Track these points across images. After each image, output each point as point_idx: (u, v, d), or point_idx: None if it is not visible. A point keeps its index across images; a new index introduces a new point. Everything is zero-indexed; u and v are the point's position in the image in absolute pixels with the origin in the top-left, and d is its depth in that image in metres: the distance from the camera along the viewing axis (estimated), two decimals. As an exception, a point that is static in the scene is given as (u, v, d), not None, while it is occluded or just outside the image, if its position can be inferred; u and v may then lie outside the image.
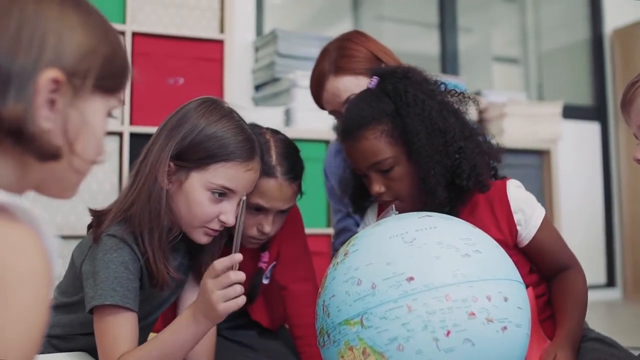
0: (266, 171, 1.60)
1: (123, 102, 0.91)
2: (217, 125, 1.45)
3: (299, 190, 1.71)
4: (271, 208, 1.64)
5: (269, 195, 1.62)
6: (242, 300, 1.31)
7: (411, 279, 1.18)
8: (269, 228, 1.66)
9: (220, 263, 1.30)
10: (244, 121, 1.53)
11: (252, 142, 1.49)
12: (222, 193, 1.45)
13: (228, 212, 1.46)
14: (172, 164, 1.43)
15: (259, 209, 1.64)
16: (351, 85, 1.88)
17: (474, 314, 1.17)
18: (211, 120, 1.45)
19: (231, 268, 1.30)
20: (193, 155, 1.43)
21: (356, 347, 1.19)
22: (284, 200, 1.65)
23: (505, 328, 1.19)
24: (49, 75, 0.77)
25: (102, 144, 0.90)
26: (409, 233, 1.26)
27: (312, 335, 1.50)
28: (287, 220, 1.76)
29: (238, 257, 1.30)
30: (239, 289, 1.31)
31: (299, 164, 1.70)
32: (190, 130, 1.43)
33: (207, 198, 1.44)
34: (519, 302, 1.25)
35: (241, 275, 1.30)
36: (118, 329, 1.38)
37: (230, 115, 1.49)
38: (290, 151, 1.69)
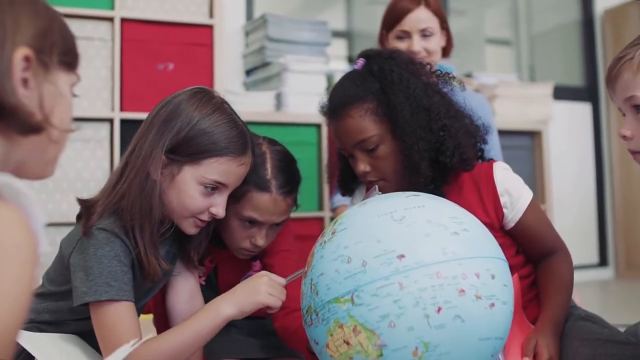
0: (260, 185, 1.60)
1: (80, 79, 0.98)
2: (211, 118, 1.45)
3: (294, 203, 1.70)
4: (265, 222, 1.64)
5: (262, 209, 1.61)
6: (280, 304, 1.44)
7: (402, 256, 1.19)
8: (261, 241, 1.65)
9: (280, 278, 1.46)
10: (235, 113, 1.52)
11: (245, 136, 1.49)
12: (214, 187, 1.46)
13: (219, 206, 1.48)
14: (164, 157, 1.43)
15: (252, 222, 1.63)
16: (429, 20, 2.32)
17: (463, 290, 1.18)
18: (205, 114, 1.45)
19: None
20: (187, 150, 1.43)
21: (346, 324, 1.19)
22: (278, 215, 1.65)
23: (492, 305, 1.21)
24: (20, 53, 0.82)
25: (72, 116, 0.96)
26: (397, 211, 1.27)
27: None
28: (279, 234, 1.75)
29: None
30: (283, 297, 1.44)
31: (295, 177, 1.69)
32: (184, 124, 1.43)
33: (199, 192, 1.45)
34: (504, 279, 1.26)
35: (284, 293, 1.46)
36: (119, 321, 1.38)
37: (222, 107, 1.49)
38: (286, 164, 1.67)
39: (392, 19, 2.35)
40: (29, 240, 0.74)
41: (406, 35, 2.32)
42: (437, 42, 2.35)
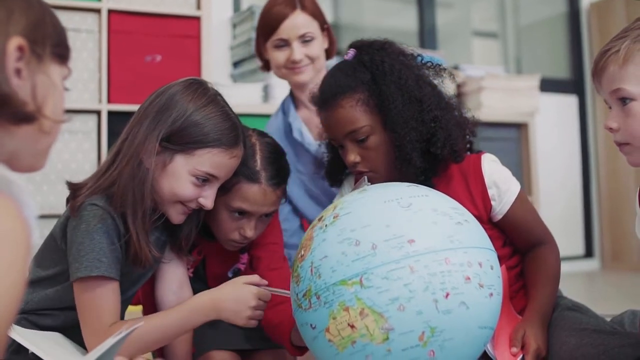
0: (250, 176, 1.60)
1: (71, 72, 0.99)
2: (205, 110, 1.46)
3: (283, 195, 1.70)
4: (254, 212, 1.64)
5: (252, 201, 1.61)
6: (255, 323, 1.49)
7: (412, 241, 1.20)
8: (251, 233, 1.65)
9: (267, 294, 1.49)
10: (228, 105, 1.53)
11: (237, 129, 1.51)
12: (205, 179, 1.47)
13: (208, 197, 1.49)
14: (157, 145, 1.44)
15: (242, 213, 1.63)
16: (308, 24, 2.16)
17: (469, 278, 1.20)
18: (199, 105, 1.46)
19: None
20: (180, 140, 1.44)
21: (353, 307, 1.19)
22: (267, 206, 1.65)
23: (491, 294, 1.24)
24: (14, 43, 0.83)
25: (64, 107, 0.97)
26: (403, 199, 1.28)
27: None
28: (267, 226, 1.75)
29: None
30: (262, 315, 1.49)
31: (284, 169, 1.69)
32: (179, 115, 1.44)
33: (190, 182, 1.46)
34: (498, 272, 1.30)
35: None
36: (103, 300, 1.40)
37: (216, 100, 1.50)
38: (276, 156, 1.67)
39: (267, 27, 2.17)
40: (22, 229, 0.74)
41: (285, 43, 2.15)
42: (319, 46, 2.19)
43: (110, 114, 2.86)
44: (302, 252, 1.32)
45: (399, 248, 1.20)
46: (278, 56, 2.17)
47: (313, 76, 2.16)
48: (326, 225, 1.30)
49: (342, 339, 1.21)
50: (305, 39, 2.14)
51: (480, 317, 1.22)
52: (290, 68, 2.16)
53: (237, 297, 1.46)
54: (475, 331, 1.22)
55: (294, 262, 1.36)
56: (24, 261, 0.74)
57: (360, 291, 1.19)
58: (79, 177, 1.46)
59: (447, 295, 1.18)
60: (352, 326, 1.19)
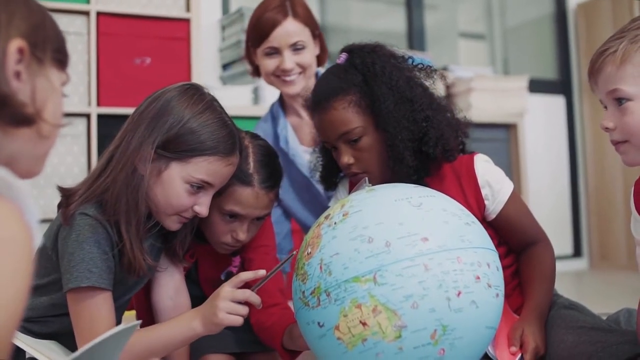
0: (243, 179, 1.59)
1: (69, 78, 0.98)
2: (202, 117, 1.44)
3: (276, 198, 1.70)
4: (246, 215, 1.63)
5: (244, 203, 1.61)
6: (241, 321, 1.39)
7: (425, 239, 1.21)
8: (243, 236, 1.64)
9: (245, 275, 1.40)
10: (225, 111, 1.52)
11: (234, 136, 1.49)
12: (200, 186, 1.45)
13: (203, 205, 1.47)
14: (152, 152, 1.42)
15: (234, 216, 1.63)
16: (300, 32, 2.12)
17: (479, 278, 1.22)
18: (196, 112, 1.44)
19: (252, 283, 1.41)
20: (176, 147, 1.42)
21: (366, 304, 1.19)
22: (260, 209, 1.64)
23: (497, 295, 1.26)
24: (14, 45, 0.83)
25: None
26: (413, 198, 1.29)
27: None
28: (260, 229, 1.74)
29: (261, 273, 1.40)
30: (246, 310, 1.38)
31: (277, 172, 1.69)
32: (175, 121, 1.42)
33: (184, 190, 1.44)
34: (502, 273, 1.31)
35: (255, 298, 1.40)
36: (96, 310, 1.38)
37: (213, 106, 1.48)
38: (269, 159, 1.67)
39: (258, 35, 2.14)
40: (25, 234, 0.73)
41: (275, 51, 2.12)
42: (310, 54, 2.16)
43: (100, 117, 2.85)
44: (309, 250, 1.31)
45: (412, 246, 1.20)
46: (268, 64, 2.14)
47: (304, 86, 2.15)
48: (335, 223, 1.30)
49: (353, 336, 1.20)
50: (296, 47, 2.12)
51: (488, 316, 1.24)
52: (279, 76, 2.14)
53: (212, 298, 1.40)
54: (482, 330, 1.24)
55: (298, 260, 1.34)
56: (27, 267, 0.73)
57: (373, 288, 1.19)
58: (68, 181, 1.44)
59: (459, 293, 1.19)
60: (364, 323, 1.19)
